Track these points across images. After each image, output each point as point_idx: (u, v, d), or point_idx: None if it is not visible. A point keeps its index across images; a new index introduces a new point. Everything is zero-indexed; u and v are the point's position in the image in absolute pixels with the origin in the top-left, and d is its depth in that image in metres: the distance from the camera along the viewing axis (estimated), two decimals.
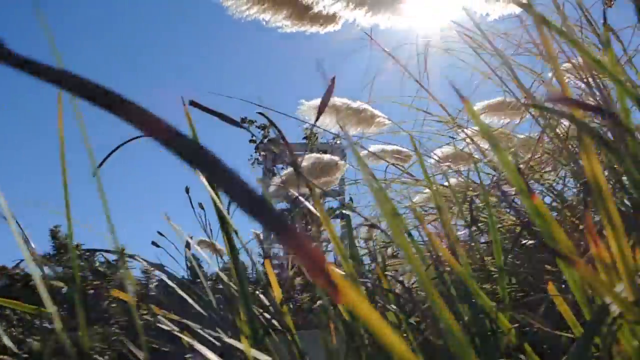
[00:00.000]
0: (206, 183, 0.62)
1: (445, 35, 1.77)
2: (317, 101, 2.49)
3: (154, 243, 1.67)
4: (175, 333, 0.68)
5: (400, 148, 2.75)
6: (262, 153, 4.89)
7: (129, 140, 0.51)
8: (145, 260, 0.85)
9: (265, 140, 5.32)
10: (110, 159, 0.53)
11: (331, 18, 1.58)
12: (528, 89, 1.49)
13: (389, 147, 2.77)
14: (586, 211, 0.38)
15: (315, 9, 1.34)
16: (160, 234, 1.67)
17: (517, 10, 1.57)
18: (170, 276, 0.85)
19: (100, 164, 0.49)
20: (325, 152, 2.99)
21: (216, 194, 0.66)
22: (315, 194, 0.61)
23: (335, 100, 2.39)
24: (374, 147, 2.83)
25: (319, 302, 0.68)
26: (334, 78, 0.67)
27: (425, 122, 1.99)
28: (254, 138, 5.78)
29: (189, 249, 1.28)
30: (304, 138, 5.05)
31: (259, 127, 5.83)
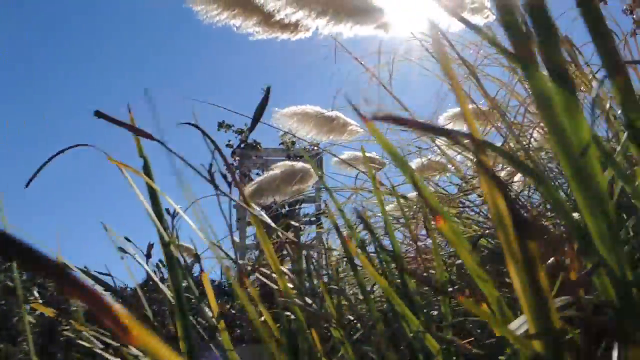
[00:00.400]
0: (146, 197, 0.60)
1: (414, 44, 1.77)
2: (291, 109, 2.49)
3: (120, 249, 1.63)
4: (97, 350, 0.66)
5: (374, 156, 2.75)
6: (237, 158, 4.87)
7: (54, 156, 0.49)
8: (80, 269, 0.83)
9: (242, 145, 5.28)
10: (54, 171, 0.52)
11: (300, 26, 1.57)
12: (493, 99, 1.50)
13: (363, 155, 2.77)
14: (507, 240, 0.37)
15: (278, 17, 1.33)
16: (127, 239, 1.64)
17: (485, 20, 1.58)
18: (108, 287, 0.83)
19: (28, 183, 0.47)
20: (301, 157, 2.98)
21: (158, 210, 0.64)
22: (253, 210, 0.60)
23: (307, 108, 2.38)
24: (347, 154, 2.83)
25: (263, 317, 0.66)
26: (268, 88, 0.66)
27: (395, 131, 1.98)
28: (230, 142, 5.74)
29: (149, 256, 1.25)
30: (281, 144, 5.03)
31: (236, 132, 5.79)
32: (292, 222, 1.90)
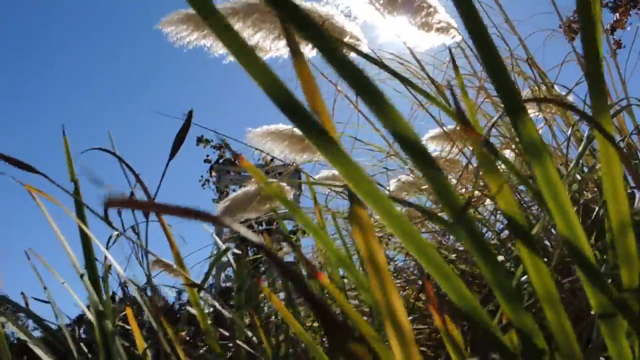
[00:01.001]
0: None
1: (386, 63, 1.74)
2: (265, 128, 2.46)
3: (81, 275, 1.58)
4: None
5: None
6: (214, 174, 4.80)
7: None
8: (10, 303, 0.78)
9: (221, 161, 5.23)
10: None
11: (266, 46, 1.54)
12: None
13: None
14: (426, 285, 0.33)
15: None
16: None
17: (456, 40, 1.56)
18: (39, 321, 0.77)
19: None
20: (280, 174, 2.95)
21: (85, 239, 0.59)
22: None
23: (280, 127, 2.35)
24: (325, 172, 2.80)
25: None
26: (190, 112, 0.62)
27: (365, 151, 1.95)
28: (208, 157, 5.69)
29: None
30: (259, 160, 4.97)
31: (214, 147, 5.74)
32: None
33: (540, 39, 1.69)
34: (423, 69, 1.55)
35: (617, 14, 7.90)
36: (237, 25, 1.25)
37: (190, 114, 0.62)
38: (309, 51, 1.26)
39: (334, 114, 1.79)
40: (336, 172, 2.72)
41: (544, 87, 1.63)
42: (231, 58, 1.59)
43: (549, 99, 1.33)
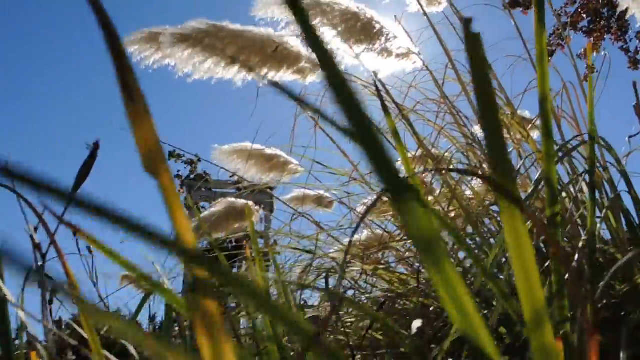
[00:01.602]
0: None
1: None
2: (232, 146, 2.42)
3: None
4: None
5: (322, 194, 2.67)
6: (182, 190, 4.71)
7: None
8: None
9: (192, 177, 5.15)
10: None
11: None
12: (423, 142, 1.45)
13: (312, 193, 2.69)
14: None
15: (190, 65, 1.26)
16: None
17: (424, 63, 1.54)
18: None
19: None
20: (253, 191, 2.90)
21: None
22: None
23: (247, 145, 2.31)
24: (296, 192, 2.76)
25: None
26: (96, 144, 0.57)
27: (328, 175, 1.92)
28: (179, 173, 5.59)
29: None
30: (232, 176, 4.90)
31: (185, 163, 5.67)
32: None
33: (506, 64, 1.68)
34: (388, 93, 1.53)
35: (591, 39, 8.05)
36: (188, 52, 1.21)
37: (96, 145, 0.58)
38: (244, 75, 1.23)
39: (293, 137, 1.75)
40: (308, 193, 2.67)
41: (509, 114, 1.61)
42: (196, 77, 1.56)
43: (452, 169, 1.31)
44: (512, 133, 1.58)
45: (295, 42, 1.28)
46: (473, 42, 0.24)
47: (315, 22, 1.28)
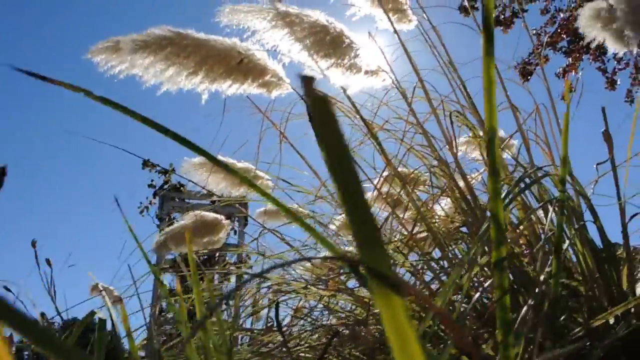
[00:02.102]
0: None
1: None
2: (202, 158, 2.36)
3: None
4: None
5: (297, 208, 2.63)
6: (153, 201, 4.63)
7: None
8: None
9: (166, 186, 5.06)
10: None
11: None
12: (390, 159, 1.41)
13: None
14: None
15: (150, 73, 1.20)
16: None
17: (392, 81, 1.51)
18: None
19: None
20: (227, 204, 2.85)
21: None
22: None
23: (219, 157, 2.26)
24: (269, 207, 2.71)
25: None
26: (3, 170, 0.52)
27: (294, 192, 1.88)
28: (153, 182, 5.49)
29: None
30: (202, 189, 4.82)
31: (160, 172, 5.55)
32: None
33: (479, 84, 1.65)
34: (357, 111, 1.50)
35: (570, 59, 8.16)
36: (148, 60, 1.16)
37: (2, 171, 0.52)
38: (207, 86, 1.19)
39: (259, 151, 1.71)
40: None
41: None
42: (164, 88, 1.51)
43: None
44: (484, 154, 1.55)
45: (262, 55, 1.24)
46: (318, 105, 0.20)
47: (283, 33, 1.24)
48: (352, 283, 1.47)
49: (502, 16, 8.22)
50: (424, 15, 1.59)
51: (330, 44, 1.25)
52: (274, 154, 2.05)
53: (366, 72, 1.29)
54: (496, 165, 0.45)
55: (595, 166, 1.14)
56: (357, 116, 1.48)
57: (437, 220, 1.53)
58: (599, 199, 1.29)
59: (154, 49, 1.13)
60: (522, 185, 0.90)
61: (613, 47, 1.95)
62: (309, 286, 1.46)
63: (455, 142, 1.32)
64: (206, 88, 1.19)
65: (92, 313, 0.77)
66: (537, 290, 0.73)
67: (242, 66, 1.19)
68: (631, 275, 1.19)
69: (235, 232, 4.16)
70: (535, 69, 8.16)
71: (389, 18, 1.43)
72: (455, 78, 1.56)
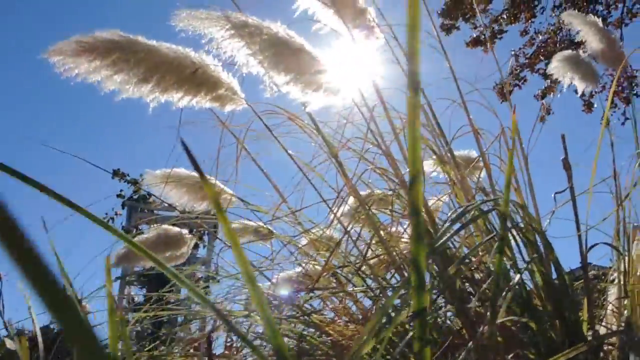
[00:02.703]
0: None
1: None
2: (164, 171, 2.30)
3: None
4: None
5: (262, 225, 2.57)
6: (119, 212, 4.53)
7: None
8: None
9: (135, 197, 4.95)
10: None
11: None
12: (350, 180, 1.37)
13: (252, 224, 2.59)
14: None
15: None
16: None
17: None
18: None
19: None
20: (196, 217, 2.78)
21: None
22: None
23: (181, 172, 2.19)
24: (236, 224, 2.65)
25: None
26: None
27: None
28: (122, 192, 5.37)
29: None
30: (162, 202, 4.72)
31: (129, 182, 5.45)
32: None
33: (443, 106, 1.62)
34: (318, 129, 1.45)
35: (549, 81, 8.26)
36: (95, 64, 1.10)
37: None
38: (158, 96, 1.13)
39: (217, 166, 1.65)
40: (248, 223, 2.55)
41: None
42: (123, 95, 1.44)
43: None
44: (452, 173, 1.51)
45: (217, 66, 1.19)
46: None
47: (241, 44, 1.19)
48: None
49: (483, 36, 8.30)
50: (392, 32, 1.56)
51: (290, 58, 1.20)
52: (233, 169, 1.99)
53: (325, 90, 1.24)
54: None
55: (553, 195, 1.11)
56: (318, 135, 1.43)
57: (398, 244, 1.48)
58: (566, 224, 1.25)
59: (100, 52, 1.07)
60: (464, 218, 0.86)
61: (582, 86, 1.94)
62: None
63: None
64: (156, 98, 1.13)
65: (3, 343, 0.71)
66: (481, 329, 0.68)
67: (195, 77, 1.13)
68: (591, 307, 1.16)
69: (204, 246, 4.08)
70: (513, 89, 8.24)
71: (349, 32, 1.39)
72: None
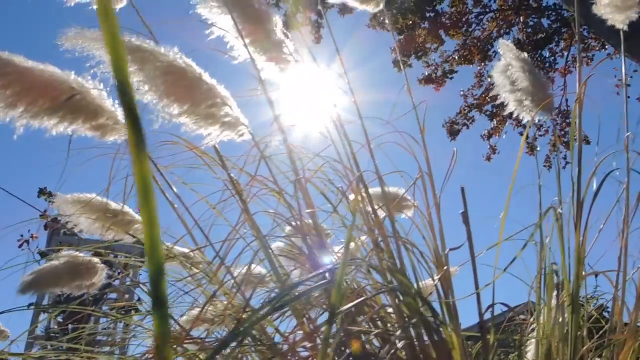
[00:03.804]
0: None
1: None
2: (74, 195, 2.16)
3: None
4: None
5: (189, 253, 2.44)
6: (35, 234, 4.29)
7: None
8: None
9: (60, 218, 4.69)
10: None
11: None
12: (255, 225, 1.28)
13: (184, 249, 2.46)
14: None
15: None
16: None
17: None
18: None
19: None
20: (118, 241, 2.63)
21: None
22: None
23: (93, 197, 2.06)
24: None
25: None
26: None
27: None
28: (45, 212, 5.07)
29: None
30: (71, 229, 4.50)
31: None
32: None
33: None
34: (224, 165, 1.36)
35: (494, 121, 8.45)
36: None
37: None
38: (29, 122, 1.02)
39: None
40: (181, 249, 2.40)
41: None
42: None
43: None
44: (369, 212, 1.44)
45: (98, 93, 1.08)
46: None
47: (132, 68, 1.09)
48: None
49: (434, 74, 8.45)
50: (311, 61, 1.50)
51: (186, 88, 1.11)
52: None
53: (223, 124, 1.16)
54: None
55: (445, 252, 1.04)
56: (224, 171, 1.34)
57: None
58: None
59: None
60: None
61: (516, 111, 1.93)
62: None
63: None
64: (24, 124, 1.02)
65: None
66: None
67: (72, 103, 1.03)
68: None
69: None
70: (461, 129, 8.38)
71: (263, 63, 1.32)
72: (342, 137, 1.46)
